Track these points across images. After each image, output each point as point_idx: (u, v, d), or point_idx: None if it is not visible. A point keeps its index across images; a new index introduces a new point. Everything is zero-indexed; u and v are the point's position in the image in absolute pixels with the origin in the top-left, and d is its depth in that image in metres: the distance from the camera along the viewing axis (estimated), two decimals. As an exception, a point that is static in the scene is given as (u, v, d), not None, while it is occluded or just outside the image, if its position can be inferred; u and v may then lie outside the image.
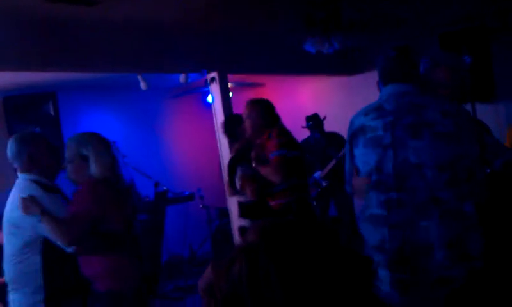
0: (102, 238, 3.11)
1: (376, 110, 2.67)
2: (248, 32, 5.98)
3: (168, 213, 7.12)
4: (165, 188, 7.06)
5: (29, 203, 3.01)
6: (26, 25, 4.33)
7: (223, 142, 5.82)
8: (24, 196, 3.03)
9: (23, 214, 3.03)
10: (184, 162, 8.62)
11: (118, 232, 3.16)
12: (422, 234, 2.41)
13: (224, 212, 7.22)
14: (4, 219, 3.24)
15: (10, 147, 3.25)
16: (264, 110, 4.45)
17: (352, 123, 2.78)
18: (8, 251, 3.23)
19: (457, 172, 2.43)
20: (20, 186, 3.21)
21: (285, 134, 4.34)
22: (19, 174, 3.27)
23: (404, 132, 2.50)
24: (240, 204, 4.56)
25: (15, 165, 3.28)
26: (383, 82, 2.79)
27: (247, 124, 4.43)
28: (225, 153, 5.80)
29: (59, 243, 3.05)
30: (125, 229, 3.23)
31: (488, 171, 2.59)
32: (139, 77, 6.32)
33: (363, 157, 2.66)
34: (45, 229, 3.04)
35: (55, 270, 3.21)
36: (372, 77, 8.59)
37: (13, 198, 3.19)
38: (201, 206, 7.83)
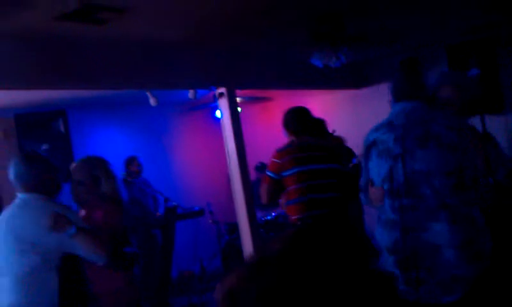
0: (125, 252, 3.29)
1: (387, 125, 2.91)
2: (255, 47, 6.01)
3: (177, 228, 7.13)
4: (175, 203, 7.07)
5: (60, 220, 2.97)
6: (36, 44, 4.38)
7: (232, 157, 5.83)
8: (54, 213, 2.99)
9: (46, 232, 2.95)
10: (194, 177, 8.64)
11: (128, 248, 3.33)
12: (431, 236, 2.66)
13: (234, 227, 7.21)
14: (8, 238, 3.05)
15: (16, 167, 3.17)
16: (284, 124, 4.38)
17: (366, 138, 3.03)
18: (15, 272, 3.02)
19: (464, 179, 2.65)
20: (33, 204, 3.11)
21: (280, 153, 4.22)
22: (24, 194, 3.15)
23: (413, 143, 2.74)
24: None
25: (19, 185, 3.17)
26: (394, 99, 3.00)
27: None
28: (234, 168, 5.82)
29: (92, 256, 3.05)
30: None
31: (491, 180, 2.73)
32: (148, 93, 6.36)
33: (376, 168, 2.92)
34: (76, 245, 3.00)
35: (69, 289, 3.15)
36: (380, 89, 8.64)
37: (27, 215, 3.08)
38: (210, 221, 7.83)
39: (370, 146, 2.96)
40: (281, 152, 4.22)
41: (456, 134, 2.67)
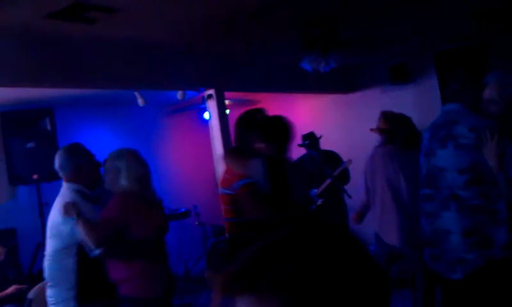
0: (127, 245, 3.44)
1: (431, 126, 3.33)
2: (245, 50, 6.00)
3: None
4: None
5: (69, 207, 3.34)
6: (23, 41, 4.34)
7: (219, 159, 5.82)
8: (66, 202, 3.39)
9: (63, 219, 3.39)
10: (181, 178, 8.60)
11: (142, 240, 3.48)
12: (443, 222, 3.11)
13: (220, 230, 7.19)
14: (48, 224, 3.63)
15: (59, 157, 3.61)
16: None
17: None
18: (47, 251, 3.62)
19: (479, 175, 3.00)
20: (64, 194, 3.57)
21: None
22: (64, 183, 3.62)
23: (437, 143, 3.17)
24: None
25: (61, 174, 3.63)
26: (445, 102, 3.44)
27: None
28: (221, 170, 5.80)
29: (89, 244, 3.38)
30: (152, 238, 3.56)
31: (502, 178, 2.99)
32: (137, 94, 6.33)
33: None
34: (79, 231, 3.35)
35: (87, 272, 3.52)
36: (369, 94, 8.68)
37: (57, 204, 3.53)
38: (196, 223, 7.80)
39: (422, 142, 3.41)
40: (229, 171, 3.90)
41: (475, 135, 2.99)
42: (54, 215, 3.55)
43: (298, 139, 7.00)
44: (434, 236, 3.18)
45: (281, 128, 3.75)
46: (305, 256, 0.81)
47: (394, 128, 4.76)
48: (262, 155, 3.67)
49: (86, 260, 3.48)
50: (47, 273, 3.63)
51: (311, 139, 6.76)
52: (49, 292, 3.62)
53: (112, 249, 3.44)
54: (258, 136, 3.68)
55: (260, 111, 3.95)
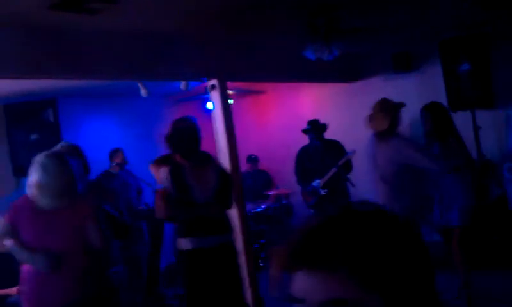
0: (17, 246, 3.46)
1: None
2: (248, 39, 5.99)
3: (167, 220, 7.10)
4: (165, 195, 7.02)
5: None
6: (26, 33, 4.34)
7: (222, 149, 5.82)
8: None
9: None
10: (184, 169, 8.60)
11: (28, 245, 3.45)
12: None
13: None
14: None
15: None
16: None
17: None
18: None
19: None
20: None
21: None
22: None
23: None
24: None
25: None
26: None
27: None
28: (225, 160, 5.81)
29: None
30: (46, 248, 3.44)
31: None
32: (140, 84, 6.32)
33: None
34: None
35: None
36: (372, 83, 8.64)
37: None
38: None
39: None
40: None
41: None
42: None
43: (302, 128, 7.02)
44: None
45: (180, 138, 4.29)
46: (367, 232, 0.81)
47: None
48: (171, 162, 4.30)
49: None
50: None
51: (313, 125, 6.77)
52: None
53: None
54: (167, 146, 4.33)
55: (183, 121, 4.44)
